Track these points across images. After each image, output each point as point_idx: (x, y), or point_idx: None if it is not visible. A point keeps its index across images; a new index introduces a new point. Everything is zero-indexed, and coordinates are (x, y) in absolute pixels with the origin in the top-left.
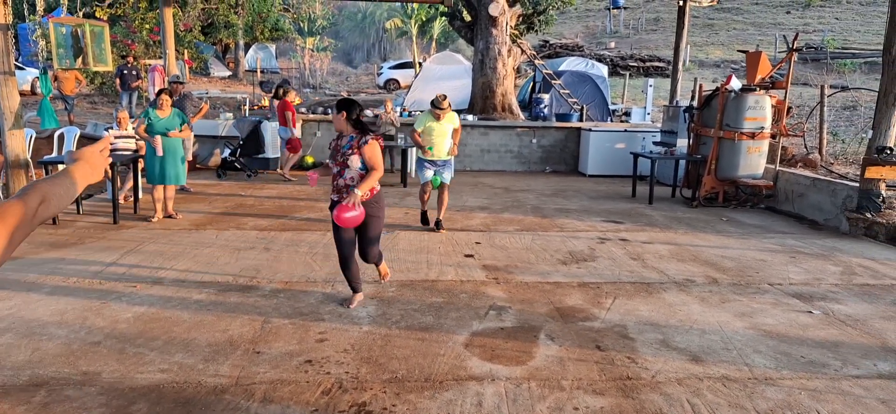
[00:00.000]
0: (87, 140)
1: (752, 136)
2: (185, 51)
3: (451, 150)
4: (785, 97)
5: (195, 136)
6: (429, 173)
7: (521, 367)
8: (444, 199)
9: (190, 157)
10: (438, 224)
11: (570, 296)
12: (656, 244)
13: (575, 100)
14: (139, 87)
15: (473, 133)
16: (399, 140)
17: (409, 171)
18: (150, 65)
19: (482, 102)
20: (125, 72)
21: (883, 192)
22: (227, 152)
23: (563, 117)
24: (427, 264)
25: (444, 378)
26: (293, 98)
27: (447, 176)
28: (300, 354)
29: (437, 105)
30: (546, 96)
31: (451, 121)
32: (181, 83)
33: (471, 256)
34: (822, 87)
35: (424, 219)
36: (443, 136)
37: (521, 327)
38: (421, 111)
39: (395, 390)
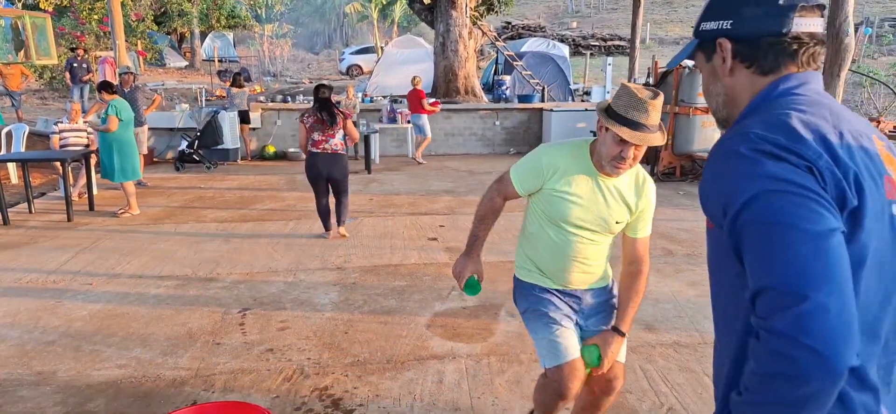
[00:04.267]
0: (36, 137)
1: (707, 111)
2: (139, 41)
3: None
4: None
5: (150, 128)
6: (566, 335)
7: (482, 343)
8: (607, 404)
9: (145, 151)
10: None
11: None
12: None
13: (537, 81)
14: (90, 81)
15: (437, 117)
16: (361, 127)
17: (373, 157)
18: (100, 57)
19: (445, 86)
20: (75, 65)
21: None
22: (184, 144)
23: (524, 99)
24: (390, 249)
25: (406, 359)
26: (256, 87)
27: (616, 350)
28: (261, 344)
29: (631, 115)
30: (508, 78)
31: (641, 191)
32: (132, 74)
33: (434, 239)
34: None
35: None
36: (609, 217)
37: (483, 306)
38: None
39: (357, 373)
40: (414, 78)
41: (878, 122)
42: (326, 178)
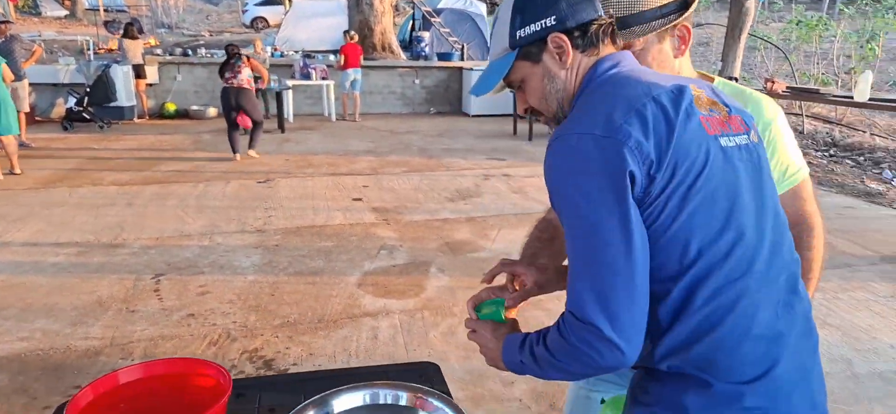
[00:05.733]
0: None
1: None
2: None
3: None
4: None
5: (31, 84)
6: None
7: (414, 299)
8: None
9: (26, 109)
10: None
11: (458, 230)
12: (536, 178)
13: (455, 39)
14: None
15: None
16: (273, 83)
17: (286, 115)
18: None
19: (361, 42)
20: None
21: None
22: (72, 102)
23: (443, 56)
24: (313, 210)
25: (339, 317)
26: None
27: None
28: (181, 309)
29: None
30: (426, 35)
31: None
32: (8, 22)
33: (359, 199)
34: None
35: None
36: None
37: (413, 263)
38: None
39: (288, 334)
40: (349, 32)
41: (773, 82)
42: (236, 108)
